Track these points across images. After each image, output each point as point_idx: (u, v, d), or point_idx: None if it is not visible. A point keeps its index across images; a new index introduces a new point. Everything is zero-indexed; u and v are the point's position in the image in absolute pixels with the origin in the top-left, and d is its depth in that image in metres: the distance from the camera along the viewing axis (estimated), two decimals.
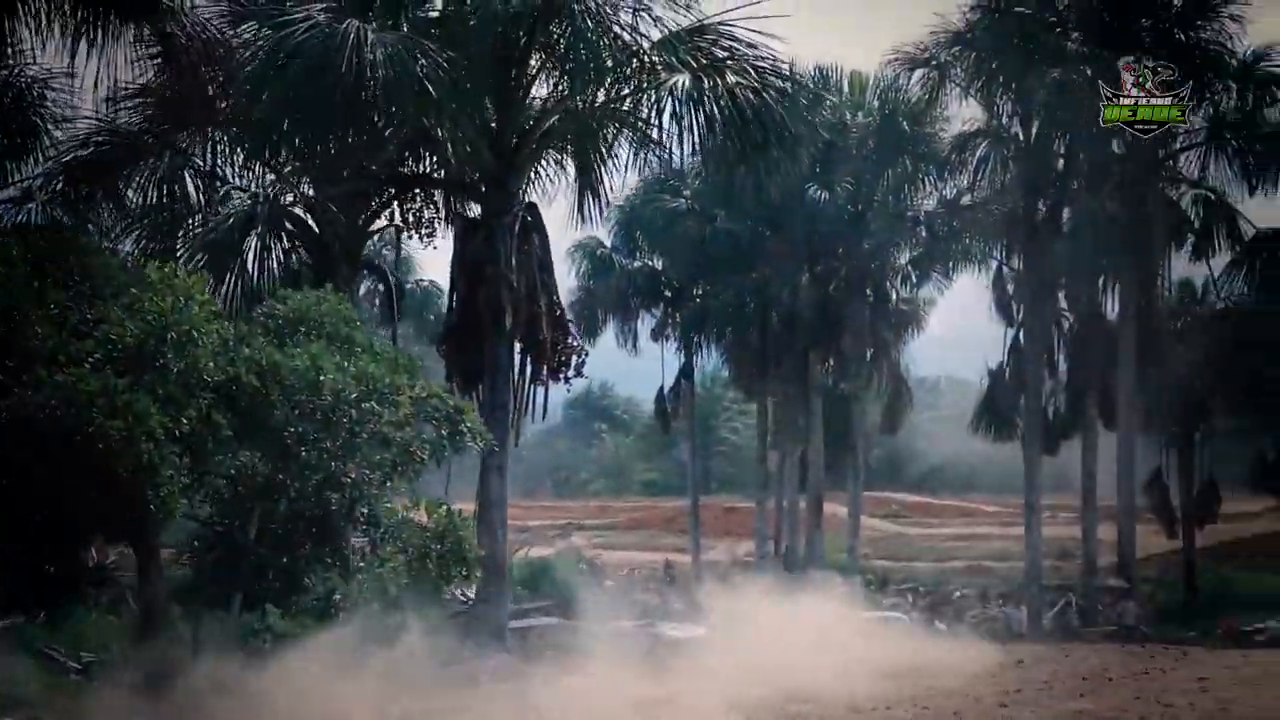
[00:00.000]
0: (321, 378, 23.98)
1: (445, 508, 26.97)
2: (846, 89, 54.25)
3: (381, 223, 37.83)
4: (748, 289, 54.66)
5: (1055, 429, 55.07)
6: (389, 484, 25.37)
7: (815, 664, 30.47)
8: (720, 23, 34.03)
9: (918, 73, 52.74)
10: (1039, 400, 53.86)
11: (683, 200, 55.95)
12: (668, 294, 59.53)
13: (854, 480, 57.30)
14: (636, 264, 60.15)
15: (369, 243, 39.68)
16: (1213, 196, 52.14)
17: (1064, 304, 53.83)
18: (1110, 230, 51.04)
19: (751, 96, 32.95)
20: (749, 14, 33.45)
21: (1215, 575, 63.96)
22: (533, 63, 34.24)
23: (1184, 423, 61.93)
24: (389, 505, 25.83)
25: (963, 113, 53.31)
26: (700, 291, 58.02)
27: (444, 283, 49.19)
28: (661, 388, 60.76)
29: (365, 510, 25.48)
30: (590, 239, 57.00)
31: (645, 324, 59.74)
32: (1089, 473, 52.87)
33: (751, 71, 33.27)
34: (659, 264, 59.87)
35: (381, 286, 43.00)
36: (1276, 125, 51.38)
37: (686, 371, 60.25)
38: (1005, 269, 54.02)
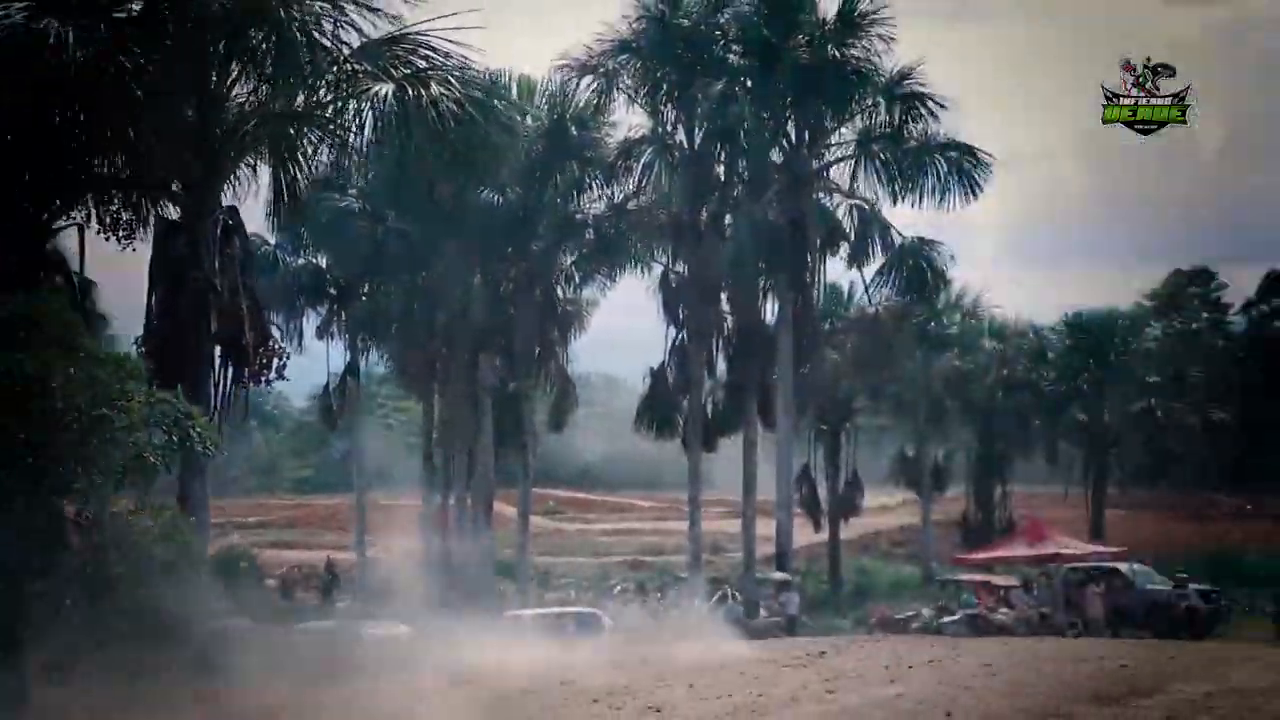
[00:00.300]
0: (51, 383, 23.79)
1: (170, 511, 26.98)
2: (515, 93, 54.84)
3: (67, 221, 36.96)
4: (418, 288, 54.88)
5: (715, 427, 57.03)
6: (119, 490, 25.25)
7: (567, 661, 31.12)
8: (418, 32, 34.66)
9: (586, 79, 54.19)
10: (700, 399, 55.78)
11: (351, 199, 55.80)
12: (333, 292, 59.17)
13: (523, 478, 58.19)
14: (301, 261, 59.66)
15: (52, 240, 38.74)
16: (866, 206, 54.80)
17: (726, 306, 55.63)
18: (769, 236, 53.24)
19: (455, 108, 33.62)
20: (447, 24, 34.12)
21: (857, 566, 67.58)
22: (234, 67, 34.22)
23: (832, 421, 65.19)
24: (114, 512, 25.68)
25: (629, 119, 55.00)
26: (368, 290, 57.95)
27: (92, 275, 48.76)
28: (327, 385, 60.27)
29: (90, 515, 25.30)
30: (253, 235, 55.84)
31: (310, 321, 59.25)
32: (749, 470, 54.82)
33: (454, 82, 33.95)
34: (324, 262, 59.51)
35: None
36: (919, 139, 54.29)
37: (352, 369, 60.03)
38: (671, 272, 55.65)
